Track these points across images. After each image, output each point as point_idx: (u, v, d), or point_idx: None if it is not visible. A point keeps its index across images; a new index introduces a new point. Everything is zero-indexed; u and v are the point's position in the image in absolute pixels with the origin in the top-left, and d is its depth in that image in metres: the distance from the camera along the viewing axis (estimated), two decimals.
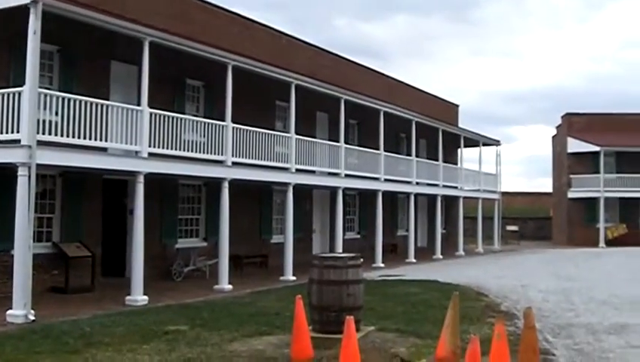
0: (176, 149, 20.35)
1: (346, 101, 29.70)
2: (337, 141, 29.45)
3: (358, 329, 11.60)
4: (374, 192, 32.76)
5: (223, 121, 22.44)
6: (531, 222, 68.66)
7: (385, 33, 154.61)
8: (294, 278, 24.30)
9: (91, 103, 17.56)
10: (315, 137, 29.60)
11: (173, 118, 20.31)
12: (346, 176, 29.71)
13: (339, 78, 32.06)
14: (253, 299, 19.13)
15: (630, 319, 15.66)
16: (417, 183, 36.93)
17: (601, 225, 53.10)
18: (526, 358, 9.37)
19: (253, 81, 25.50)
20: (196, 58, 21.96)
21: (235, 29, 28.80)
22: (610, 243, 52.27)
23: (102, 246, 22.48)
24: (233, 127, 22.68)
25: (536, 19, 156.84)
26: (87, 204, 22.01)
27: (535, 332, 9.62)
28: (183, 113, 23.27)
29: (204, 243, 26.39)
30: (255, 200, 29.18)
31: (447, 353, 10.04)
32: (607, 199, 53.82)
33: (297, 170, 26.16)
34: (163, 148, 19.86)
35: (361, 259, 12.39)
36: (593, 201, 54.33)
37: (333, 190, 30.44)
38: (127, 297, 18.32)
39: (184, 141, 20.78)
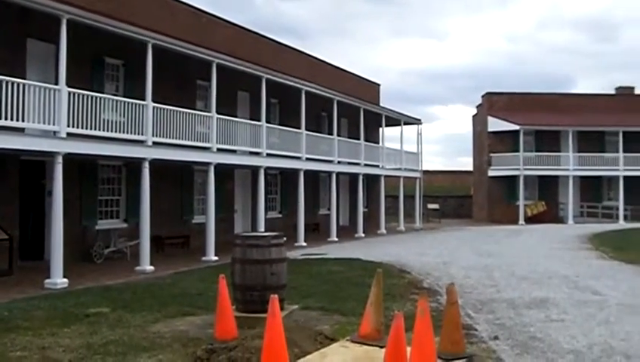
0: (95, 129, 20.01)
1: (267, 80, 29.55)
2: (259, 120, 29.31)
3: (281, 308, 11.56)
4: (296, 171, 32.73)
5: (143, 100, 22.12)
6: (452, 200, 69.49)
7: (306, 12, 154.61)
8: (216, 258, 24.19)
9: (6, 82, 17.12)
10: (236, 116, 29.39)
11: (92, 97, 19.95)
12: (268, 155, 29.60)
13: (260, 57, 31.89)
14: (175, 279, 18.98)
15: (550, 293, 15.97)
16: (339, 162, 37.02)
17: (521, 202, 54.01)
18: (449, 333, 9.48)
19: (174, 59, 25.23)
20: (115, 36, 21.55)
21: (154, 6, 28.37)
22: (529, 220, 53.22)
23: (20, 229, 21.99)
24: (153, 107, 22.38)
25: (456, 0, 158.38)
26: (3, 186, 21.49)
27: (457, 308, 9.74)
28: (102, 92, 22.92)
29: (125, 225, 26.06)
30: (176, 181, 28.88)
31: (370, 330, 10.10)
32: (526, 177, 54.76)
33: (218, 150, 25.97)
34: (82, 128, 19.50)
35: (284, 238, 12.35)
36: (513, 179, 55.23)
37: (254, 169, 30.28)
38: (47, 280, 17.97)
39: (103, 121, 20.44)
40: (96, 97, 20.21)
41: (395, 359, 8.10)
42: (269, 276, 11.76)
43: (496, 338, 11.13)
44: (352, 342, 10.10)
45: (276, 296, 8.46)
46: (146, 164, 21.85)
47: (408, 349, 8.40)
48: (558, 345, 10.63)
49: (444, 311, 10.11)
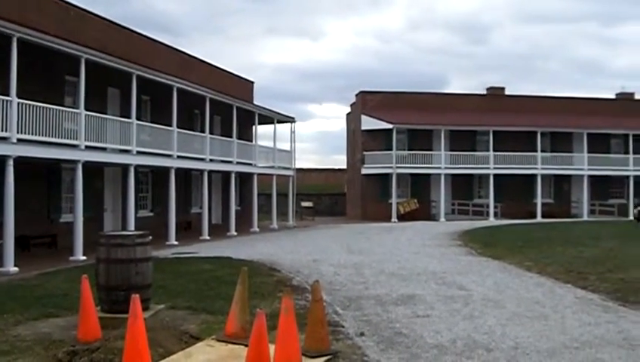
0: None
1: (138, 76, 29.15)
2: (129, 117, 28.87)
3: (147, 308, 11.45)
4: (167, 169, 32.39)
5: (7, 96, 21.46)
6: (326, 198, 70.01)
7: (179, 8, 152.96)
8: (85, 258, 23.70)
9: None
10: (106, 113, 28.82)
11: None
12: (138, 153, 29.22)
13: (131, 53, 31.42)
14: (40, 280, 18.45)
15: (417, 290, 16.22)
16: (211, 160, 36.82)
17: (394, 200, 54.95)
18: (314, 331, 9.53)
19: (41, 54, 24.58)
20: None
21: None
22: (402, 217, 54.19)
23: None
24: (18, 103, 21.75)
25: (329, 0, 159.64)
26: None
27: (322, 305, 9.80)
28: None
29: None
30: (43, 179, 28.13)
31: (236, 328, 10.09)
32: (399, 175, 55.74)
33: (87, 147, 25.46)
34: None
35: (150, 237, 12.17)
36: (386, 177, 56.13)
37: (125, 167, 29.79)
38: None
39: None
40: None
41: (257, 357, 8.09)
42: (133, 275, 11.56)
43: (362, 334, 11.23)
44: (218, 340, 10.06)
45: (137, 295, 8.33)
46: (11, 162, 21.22)
47: (273, 347, 8.42)
48: (422, 340, 10.81)
49: (309, 308, 10.16)
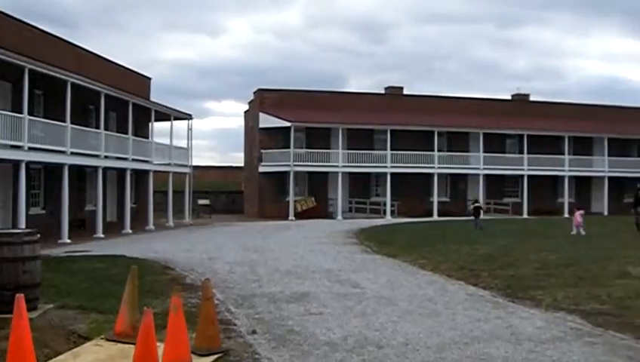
0: None
1: (30, 70, 28.48)
2: (21, 112, 28.16)
3: (35, 308, 11.18)
4: (60, 166, 31.71)
5: None
6: (223, 195, 69.70)
7: (74, 0, 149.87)
8: None
9: None
10: None
11: None
12: (30, 149, 28.54)
13: (23, 46, 30.61)
14: None
15: (311, 288, 16.26)
16: (106, 157, 36.25)
17: (291, 198, 55.06)
18: (204, 329, 9.48)
19: None
20: None
21: None
22: (299, 215, 54.36)
23: None
24: None
25: None
26: None
27: (213, 303, 9.76)
28: None
29: None
30: None
31: (126, 327, 9.96)
32: (297, 173, 55.94)
33: None
34: None
35: (38, 235, 11.87)
36: (283, 175, 56.22)
37: (15, 163, 29.06)
38: None
39: None
40: None
41: (144, 356, 7.98)
42: (21, 274, 11.24)
43: (254, 332, 11.19)
44: (107, 340, 9.92)
45: (22, 295, 8.11)
46: None
47: (162, 345, 8.33)
48: (314, 338, 10.83)
49: (199, 306, 10.08)
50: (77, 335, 10.33)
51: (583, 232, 31.42)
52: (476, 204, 41.23)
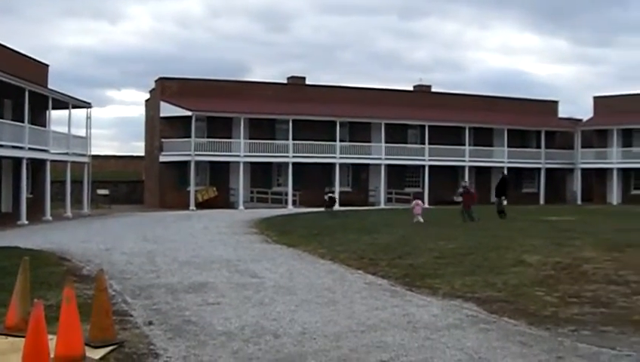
0: None
1: None
2: None
3: None
4: None
5: None
6: (123, 185, 68.69)
7: None
8: None
9: None
10: None
11: None
12: None
13: None
14: None
15: (209, 278, 16.20)
16: (1, 146, 35.32)
17: (192, 188, 54.70)
18: (99, 320, 9.36)
19: None
20: None
21: None
22: (200, 205, 54.08)
23: None
24: None
25: None
26: None
27: (107, 294, 9.63)
28: None
29: None
30: None
31: (17, 320, 9.75)
32: (198, 163, 55.64)
33: None
34: None
35: None
36: (184, 165, 55.78)
37: None
38: None
39: None
40: None
41: (34, 349, 7.78)
42: None
43: (150, 323, 11.09)
44: None
45: None
46: None
47: (55, 338, 8.16)
48: (211, 328, 10.80)
49: (93, 298, 9.91)
50: None
51: (421, 220, 32.84)
52: (330, 195, 42.04)
